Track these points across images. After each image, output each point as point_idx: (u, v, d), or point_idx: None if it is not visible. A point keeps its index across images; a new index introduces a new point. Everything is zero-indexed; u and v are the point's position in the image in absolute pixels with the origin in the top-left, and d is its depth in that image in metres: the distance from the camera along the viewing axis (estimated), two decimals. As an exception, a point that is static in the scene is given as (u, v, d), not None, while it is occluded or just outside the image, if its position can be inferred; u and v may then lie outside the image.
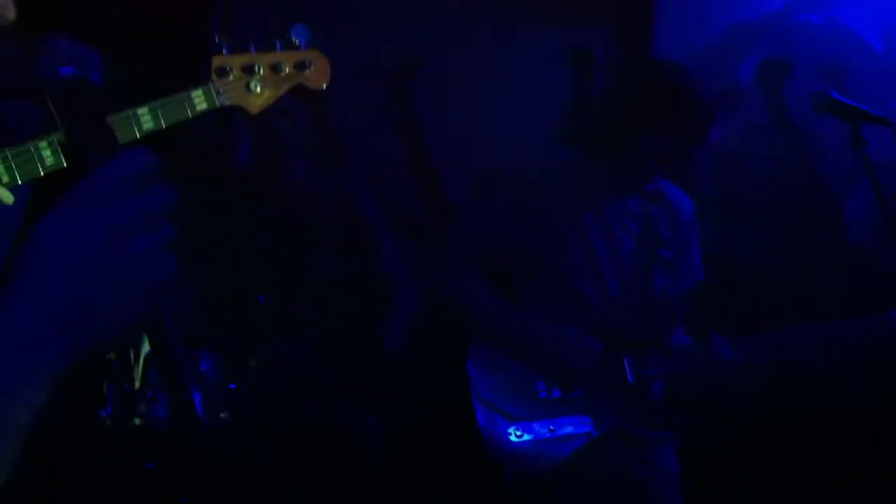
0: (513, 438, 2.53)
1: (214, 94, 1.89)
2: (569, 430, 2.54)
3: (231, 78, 1.91)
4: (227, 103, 1.90)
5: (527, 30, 4.48)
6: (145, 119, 1.81)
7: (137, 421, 2.59)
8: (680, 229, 2.72)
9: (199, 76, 1.94)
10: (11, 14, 1.53)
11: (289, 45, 1.96)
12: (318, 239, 3.14)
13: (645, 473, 2.62)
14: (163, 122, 1.82)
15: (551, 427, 2.55)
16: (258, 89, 1.93)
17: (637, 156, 2.59)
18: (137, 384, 2.58)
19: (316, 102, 3.19)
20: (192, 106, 1.86)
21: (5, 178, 1.65)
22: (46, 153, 1.68)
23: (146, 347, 2.74)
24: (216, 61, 1.91)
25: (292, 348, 3.03)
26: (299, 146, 3.12)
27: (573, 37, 4.27)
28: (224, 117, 3.23)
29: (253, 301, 2.98)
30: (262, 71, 1.93)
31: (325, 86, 1.99)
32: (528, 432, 2.54)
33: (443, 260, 2.65)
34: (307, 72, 1.97)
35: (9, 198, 1.62)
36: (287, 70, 1.96)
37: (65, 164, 1.65)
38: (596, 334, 2.57)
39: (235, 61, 1.91)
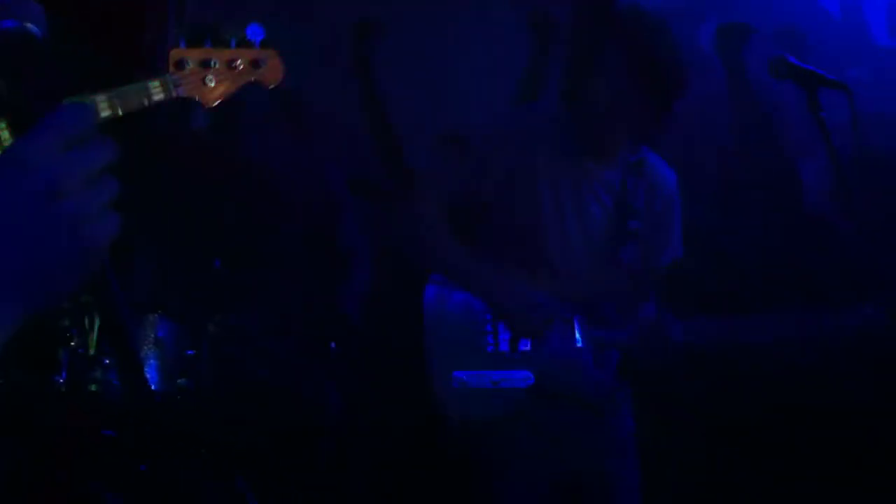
0: (455, 385, 2.55)
1: (171, 86, 1.98)
2: (508, 383, 2.56)
3: (188, 71, 1.98)
4: (183, 94, 1.98)
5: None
6: (102, 106, 1.87)
7: (93, 387, 2.56)
8: (657, 203, 2.72)
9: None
10: None
11: (244, 43, 2.05)
12: (277, 207, 3.12)
13: (593, 437, 2.64)
14: (119, 110, 1.88)
15: (493, 379, 2.56)
16: (213, 83, 2.01)
17: (610, 121, 2.58)
18: (93, 350, 2.55)
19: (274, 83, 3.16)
20: (150, 95, 1.94)
21: None
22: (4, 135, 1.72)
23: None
24: (174, 54, 1.99)
25: (250, 315, 3.01)
26: (256, 117, 3.09)
27: (534, 2, 4.25)
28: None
29: (210, 267, 2.95)
30: (217, 66, 2.01)
31: (276, 83, 2.09)
32: (471, 380, 2.56)
33: (410, 215, 2.64)
34: (261, 69, 2.07)
35: None
36: (242, 66, 2.04)
37: None
38: (559, 298, 2.57)
39: (193, 55, 1.99)
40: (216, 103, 2.03)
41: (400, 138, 4.08)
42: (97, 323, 2.56)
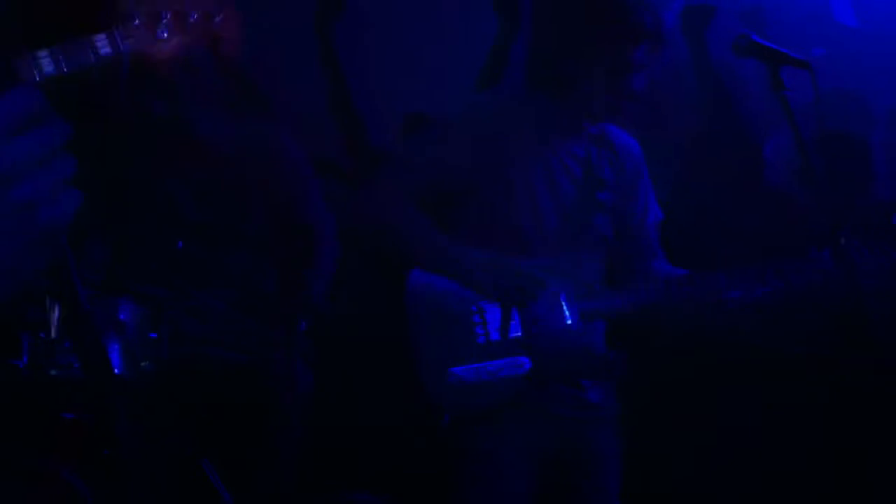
0: (450, 380, 2.54)
1: (119, 40, 1.87)
2: (505, 372, 2.55)
3: (137, 23, 1.89)
4: (132, 49, 1.88)
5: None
6: (45, 62, 1.79)
7: (54, 371, 2.53)
8: (625, 173, 2.73)
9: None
10: None
11: None
12: (240, 185, 3.08)
13: (583, 417, 2.65)
14: (64, 66, 1.80)
15: (489, 369, 2.56)
16: (164, 36, 1.91)
17: (573, 96, 2.58)
18: (54, 333, 2.52)
19: (230, 51, 3.12)
20: (96, 50, 1.84)
21: None
22: None
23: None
24: (121, 6, 1.88)
25: (214, 295, 2.99)
26: (216, 94, 3.04)
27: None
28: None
29: (172, 248, 2.92)
30: (170, 18, 1.91)
31: (234, 35, 1.98)
32: (465, 374, 2.55)
33: (381, 195, 2.62)
34: (216, 20, 1.95)
35: None
36: (196, 19, 1.94)
37: None
38: (534, 274, 2.57)
39: (142, 7, 1.89)
40: (167, 57, 1.93)
41: (363, 117, 4.06)
42: (58, 306, 2.53)
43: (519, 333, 2.57)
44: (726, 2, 4.39)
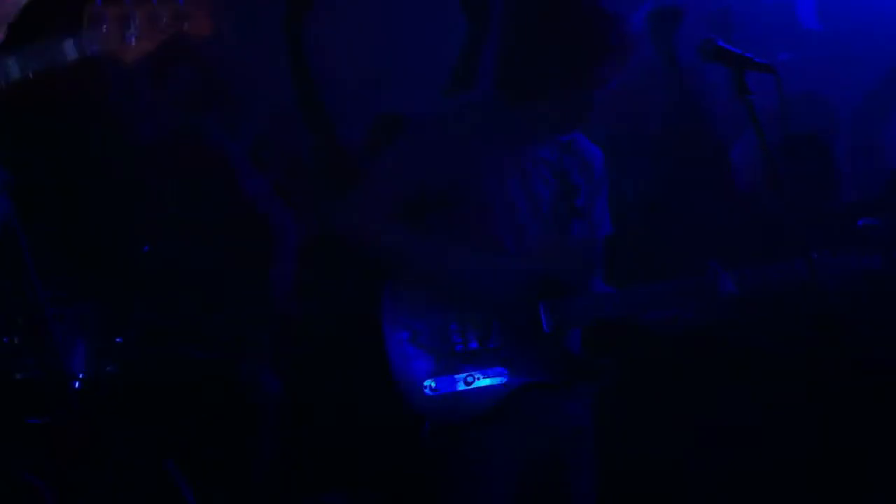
0: (428, 392, 2.52)
1: (87, 43, 1.83)
2: (484, 382, 2.54)
3: (105, 28, 1.85)
4: (100, 53, 1.84)
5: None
6: (12, 65, 1.76)
7: (19, 375, 2.51)
8: (593, 180, 2.74)
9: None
10: None
11: None
12: (204, 188, 3.06)
13: (559, 425, 2.65)
14: (30, 71, 1.77)
15: (467, 379, 2.55)
16: (133, 41, 1.87)
17: (551, 102, 2.58)
18: (17, 339, 2.49)
19: (199, 53, 3.09)
20: (63, 54, 1.81)
21: None
22: None
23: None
24: (88, 10, 1.84)
25: (180, 299, 2.97)
26: (182, 97, 3.02)
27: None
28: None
29: (138, 251, 2.90)
30: (137, 21, 1.87)
31: (203, 37, 1.94)
32: (443, 385, 2.54)
33: (358, 204, 2.61)
34: (186, 24, 1.91)
35: None
36: (164, 20, 1.90)
37: None
38: (513, 281, 2.57)
39: (110, 11, 1.85)
40: (136, 59, 1.88)
41: (332, 116, 4.04)
42: (22, 311, 2.51)
43: (498, 343, 2.57)
44: (694, 5, 4.42)
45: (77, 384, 2.61)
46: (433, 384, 2.53)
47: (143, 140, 3.03)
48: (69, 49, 1.81)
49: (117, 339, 2.74)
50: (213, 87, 3.23)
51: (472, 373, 2.53)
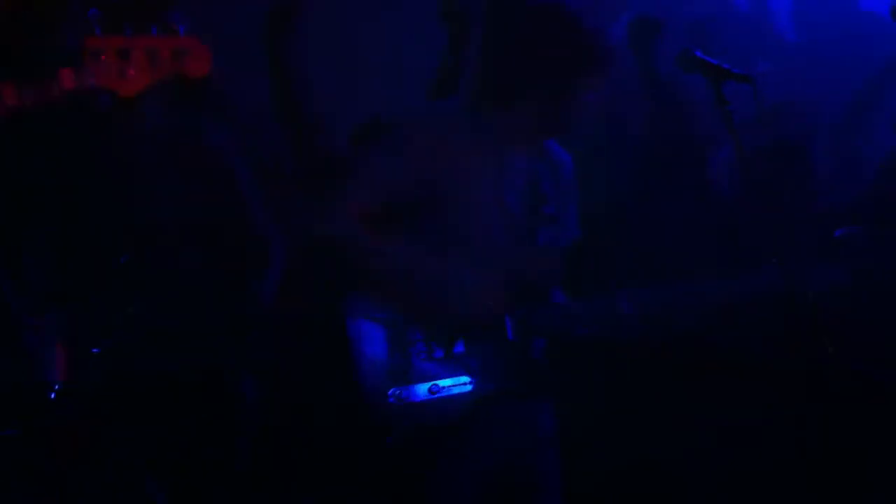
0: (392, 401, 2.53)
1: (85, 76, 1.84)
2: (449, 391, 2.55)
3: (103, 61, 1.85)
4: (98, 86, 1.85)
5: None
6: (9, 97, 1.77)
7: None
8: (560, 185, 2.76)
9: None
10: None
11: (166, 31, 1.91)
12: (184, 192, 3.04)
13: (522, 434, 2.66)
14: (28, 100, 1.79)
15: (431, 388, 2.56)
16: (131, 74, 1.88)
17: (524, 113, 2.60)
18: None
19: (197, 85, 3.09)
20: (61, 85, 1.83)
21: None
22: None
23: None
24: (89, 43, 1.85)
25: (159, 308, 2.95)
26: (161, 102, 3.01)
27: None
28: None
29: (116, 259, 2.89)
30: (136, 56, 1.87)
31: (203, 75, 1.95)
32: (408, 395, 2.55)
33: (331, 209, 2.62)
34: (185, 60, 1.92)
35: None
36: (163, 56, 1.90)
37: None
38: (483, 288, 2.58)
39: (109, 44, 1.85)
40: (134, 95, 1.90)
41: (313, 122, 4.04)
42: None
43: (464, 351, 2.58)
44: (673, 16, 4.45)
45: (54, 394, 2.59)
46: (399, 393, 2.54)
47: (141, 139, 3.01)
48: (68, 80, 1.83)
49: (94, 350, 2.73)
50: (189, 96, 3.22)
51: (437, 382, 2.54)
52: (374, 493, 2.79)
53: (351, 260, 2.62)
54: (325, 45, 4.31)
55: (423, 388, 2.54)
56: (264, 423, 3.13)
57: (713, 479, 3.50)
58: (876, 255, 3.57)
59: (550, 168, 2.74)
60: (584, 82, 2.60)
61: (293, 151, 4.05)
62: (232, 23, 3.94)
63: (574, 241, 2.80)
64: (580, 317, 2.64)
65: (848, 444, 3.17)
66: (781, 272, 2.53)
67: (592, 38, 2.58)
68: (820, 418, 3.22)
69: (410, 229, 2.63)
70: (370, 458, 2.68)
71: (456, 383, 2.54)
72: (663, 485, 3.53)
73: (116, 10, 1.90)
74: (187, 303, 3.03)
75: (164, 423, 2.88)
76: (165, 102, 2.99)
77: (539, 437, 2.70)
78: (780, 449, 3.36)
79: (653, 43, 4.26)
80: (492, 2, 4.08)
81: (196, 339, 3.00)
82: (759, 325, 3.26)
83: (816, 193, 3.98)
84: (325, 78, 4.24)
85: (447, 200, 2.61)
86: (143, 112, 2.97)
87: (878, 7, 5.01)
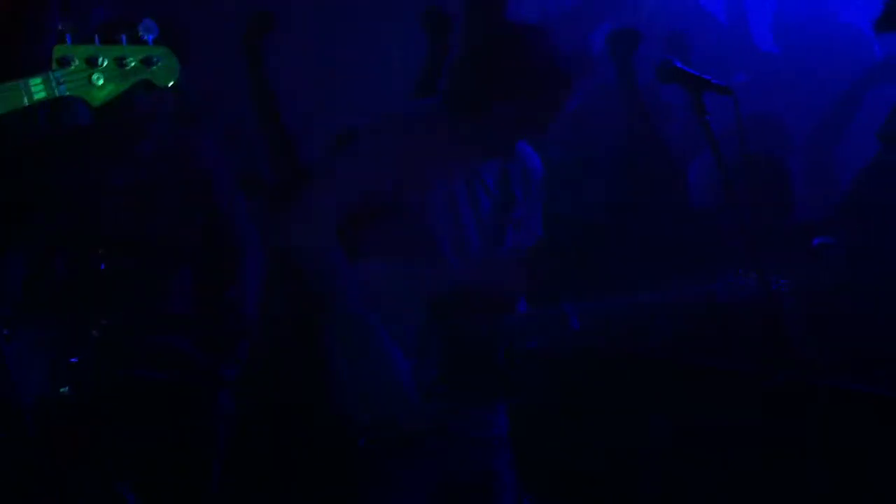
0: (365, 402, 2.54)
1: (54, 84, 1.86)
2: (421, 393, 2.57)
3: (73, 68, 1.87)
4: (67, 94, 1.86)
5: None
6: None
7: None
8: (531, 188, 2.76)
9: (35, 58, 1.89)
10: None
11: (136, 40, 1.93)
12: (158, 194, 3.01)
13: (478, 435, 2.67)
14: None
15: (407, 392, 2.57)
16: (101, 82, 1.90)
17: (496, 119, 2.60)
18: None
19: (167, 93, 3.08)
20: (30, 94, 1.84)
21: None
22: None
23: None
24: (58, 51, 1.86)
25: (138, 318, 2.93)
26: (141, 111, 2.99)
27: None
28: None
29: (95, 269, 2.86)
30: (105, 63, 1.89)
31: (171, 84, 1.96)
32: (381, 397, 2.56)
33: (299, 218, 2.60)
34: (154, 68, 1.93)
35: None
36: (133, 65, 1.92)
37: None
38: (451, 293, 2.58)
39: (78, 52, 1.87)
40: (103, 103, 1.91)
41: (292, 133, 4.03)
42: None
43: (433, 359, 2.58)
44: (652, 28, 4.48)
45: (30, 405, 2.57)
46: (370, 396, 2.55)
47: (137, 151, 2.99)
48: (36, 88, 1.83)
49: (72, 360, 2.70)
50: (170, 103, 3.20)
51: (411, 386, 2.55)
52: (325, 483, 2.79)
53: (312, 272, 2.60)
54: (304, 55, 4.31)
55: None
56: (240, 434, 3.11)
57: (664, 481, 3.51)
58: (852, 264, 3.60)
59: (522, 171, 2.74)
60: (558, 91, 2.61)
61: (271, 161, 4.05)
62: (213, 33, 3.94)
63: (538, 241, 2.79)
64: (532, 329, 2.65)
65: (805, 452, 3.19)
66: (752, 282, 2.54)
67: (561, 66, 2.59)
68: (768, 425, 3.26)
69: (378, 234, 2.62)
70: (341, 457, 2.67)
71: (425, 389, 2.55)
72: (616, 486, 3.54)
73: (86, 19, 1.90)
74: (163, 313, 3.01)
75: (138, 434, 2.86)
76: (143, 113, 2.98)
77: (494, 436, 2.70)
78: (725, 452, 3.38)
79: (632, 53, 4.28)
80: (470, 11, 4.11)
81: (172, 350, 2.97)
82: (725, 334, 3.28)
83: (793, 203, 4.01)
84: (304, 88, 4.24)
85: (416, 203, 2.60)
86: (121, 124, 2.96)
87: (857, 19, 5.07)
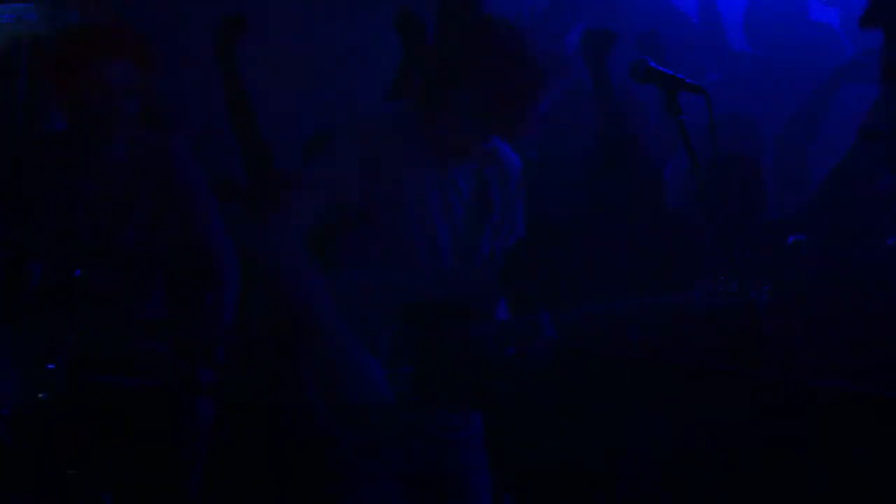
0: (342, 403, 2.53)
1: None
2: (397, 398, 2.56)
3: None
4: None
5: (358, 3, 4.45)
6: None
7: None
8: (509, 189, 2.74)
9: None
10: None
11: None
12: (131, 201, 3.00)
13: (453, 437, 2.66)
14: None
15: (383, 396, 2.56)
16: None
17: (464, 112, 2.58)
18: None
19: (143, 69, 3.06)
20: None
21: None
22: None
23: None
24: None
25: (116, 324, 2.91)
26: (117, 117, 2.97)
27: (403, 7, 4.24)
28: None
29: (70, 275, 2.84)
30: None
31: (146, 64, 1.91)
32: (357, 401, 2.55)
33: (268, 230, 2.58)
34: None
35: None
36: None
37: None
38: (425, 301, 2.57)
39: None
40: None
41: (267, 139, 4.02)
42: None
43: (407, 367, 2.58)
44: (625, 28, 4.50)
45: (6, 412, 2.55)
46: (346, 398, 2.54)
47: (107, 157, 2.97)
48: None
49: (49, 366, 2.68)
50: (145, 109, 3.18)
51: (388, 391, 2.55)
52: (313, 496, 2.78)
53: (284, 283, 2.59)
54: (279, 57, 4.30)
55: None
56: (219, 443, 3.09)
57: (646, 482, 3.53)
58: (823, 263, 3.63)
59: (499, 173, 2.72)
60: (528, 85, 2.59)
61: (246, 165, 4.03)
62: (187, 38, 3.92)
63: (518, 241, 2.78)
64: (508, 337, 2.64)
65: (790, 454, 3.21)
66: (727, 285, 2.54)
67: (531, 65, 2.58)
68: (752, 428, 3.27)
69: (354, 238, 2.61)
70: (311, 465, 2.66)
71: (399, 399, 2.55)
72: (596, 486, 3.55)
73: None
74: (139, 319, 3.00)
75: (116, 440, 2.84)
76: (120, 119, 2.96)
77: (470, 436, 2.70)
78: (712, 454, 3.40)
79: (606, 54, 4.30)
80: (443, 12, 4.10)
81: (150, 355, 2.96)
82: (702, 338, 3.29)
83: (766, 202, 4.04)
84: (279, 92, 4.22)
85: (391, 208, 2.58)
86: (98, 131, 2.94)
87: (828, 18, 5.11)
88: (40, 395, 2.68)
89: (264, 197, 3.91)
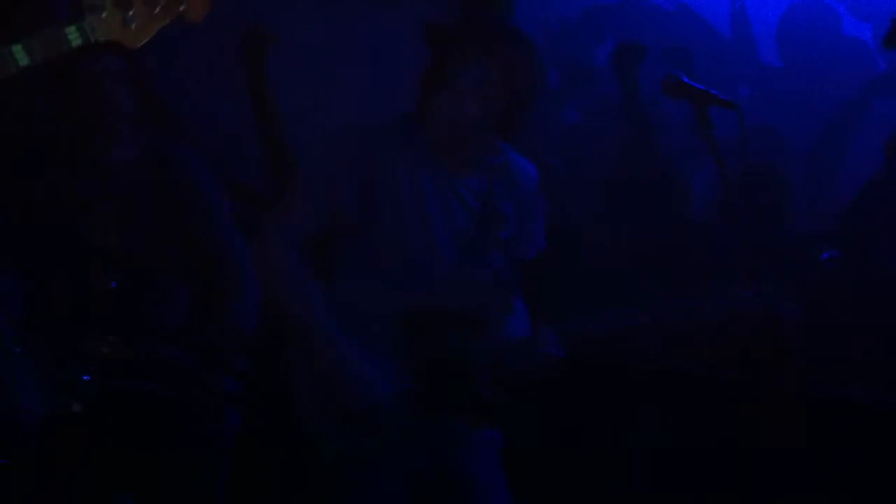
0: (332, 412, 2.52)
1: (89, 31, 1.86)
2: (392, 409, 2.54)
3: (105, 14, 1.87)
4: (103, 39, 1.87)
5: (378, 4, 4.45)
6: (20, 56, 1.82)
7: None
8: (522, 202, 2.67)
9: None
10: None
11: None
12: (142, 206, 2.99)
13: (458, 442, 2.63)
14: (39, 57, 1.83)
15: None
16: (133, 25, 1.88)
17: (472, 127, 2.54)
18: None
19: (143, 70, 3.06)
20: (67, 42, 1.86)
21: None
22: None
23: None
24: None
25: (143, 334, 2.91)
26: (130, 118, 2.97)
27: (424, 9, 4.23)
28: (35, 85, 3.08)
29: (105, 287, 2.84)
30: (136, 5, 1.89)
31: (203, 15, 1.94)
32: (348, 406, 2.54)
33: (266, 239, 2.57)
34: (183, 6, 1.92)
35: None
36: (163, 2, 1.90)
37: None
38: (427, 311, 2.54)
39: None
40: (142, 44, 1.89)
41: (291, 145, 4.01)
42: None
43: (408, 384, 2.56)
44: (657, 42, 4.49)
45: (35, 422, 2.55)
46: (335, 405, 2.53)
47: (107, 160, 2.97)
48: (73, 36, 1.86)
49: (85, 378, 2.68)
50: (155, 107, 3.18)
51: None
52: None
53: (281, 293, 2.58)
54: (305, 66, 4.30)
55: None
56: (244, 451, 3.09)
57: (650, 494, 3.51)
58: (854, 278, 3.61)
59: (510, 186, 2.66)
60: (528, 96, 2.56)
61: (273, 175, 4.02)
62: (206, 46, 3.93)
63: (539, 252, 2.74)
64: (514, 353, 2.61)
65: (797, 463, 3.18)
66: (752, 296, 2.51)
67: (568, 60, 2.56)
68: (756, 437, 3.24)
69: (355, 251, 2.58)
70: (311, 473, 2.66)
71: (400, 415, 2.54)
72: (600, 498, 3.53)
73: None
74: (162, 328, 2.98)
75: (143, 453, 2.84)
76: (134, 127, 2.97)
77: (478, 441, 2.66)
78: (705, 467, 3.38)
79: (637, 67, 4.29)
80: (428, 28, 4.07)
81: (175, 364, 2.95)
82: (722, 347, 3.27)
83: (794, 216, 4.02)
84: (304, 102, 4.23)
85: (389, 216, 2.55)
86: (112, 137, 2.96)
87: (860, 32, 5.08)
88: (74, 407, 2.67)
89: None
